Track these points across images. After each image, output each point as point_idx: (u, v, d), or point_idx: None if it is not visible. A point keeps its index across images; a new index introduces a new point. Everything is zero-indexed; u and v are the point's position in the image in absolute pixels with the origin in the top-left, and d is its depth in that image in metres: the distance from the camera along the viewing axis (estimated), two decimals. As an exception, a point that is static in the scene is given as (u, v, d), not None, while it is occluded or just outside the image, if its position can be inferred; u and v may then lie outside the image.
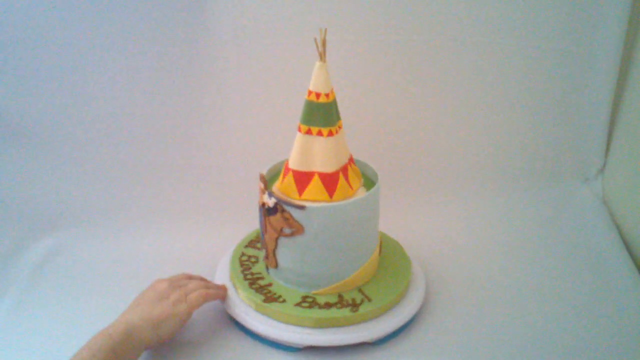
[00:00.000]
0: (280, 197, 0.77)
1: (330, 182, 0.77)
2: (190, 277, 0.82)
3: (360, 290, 0.81)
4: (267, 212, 0.77)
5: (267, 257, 0.82)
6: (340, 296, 0.79)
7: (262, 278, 0.83)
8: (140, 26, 0.91)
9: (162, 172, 1.02)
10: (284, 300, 0.79)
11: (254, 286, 0.81)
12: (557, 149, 1.07)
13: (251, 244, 0.91)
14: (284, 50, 0.96)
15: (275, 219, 0.77)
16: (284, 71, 0.97)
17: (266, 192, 0.77)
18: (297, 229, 0.76)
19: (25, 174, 0.98)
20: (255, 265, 0.86)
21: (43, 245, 0.96)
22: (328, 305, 0.78)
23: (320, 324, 0.76)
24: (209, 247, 0.94)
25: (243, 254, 0.88)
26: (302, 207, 0.75)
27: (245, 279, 0.83)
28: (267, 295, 0.79)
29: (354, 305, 0.78)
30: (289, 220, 0.76)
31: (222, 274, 0.86)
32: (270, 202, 0.77)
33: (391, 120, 1.03)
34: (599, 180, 1.08)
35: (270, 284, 0.82)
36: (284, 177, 0.79)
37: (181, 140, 1.01)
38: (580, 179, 1.09)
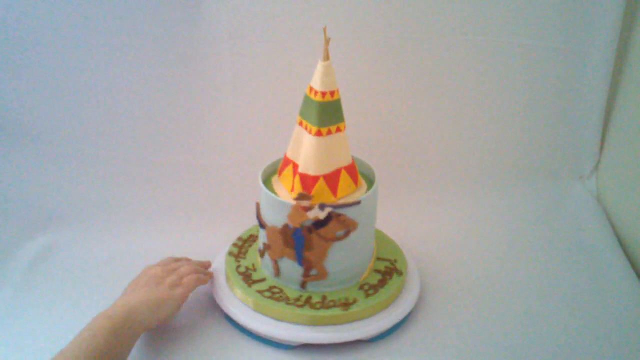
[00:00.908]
0: (333, 203, 0.76)
1: (352, 173, 0.80)
2: (177, 260, 0.85)
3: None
4: (316, 226, 0.75)
5: (307, 275, 0.79)
6: (263, 279, 0.81)
7: (257, 276, 0.83)
8: (137, 25, 0.91)
9: (157, 171, 1.02)
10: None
11: (249, 284, 0.81)
12: (552, 147, 1.07)
13: (248, 240, 0.91)
14: (280, 48, 0.96)
15: (328, 229, 0.75)
16: (280, 70, 0.97)
17: (316, 207, 0.75)
18: (352, 226, 0.76)
19: (20, 172, 0.98)
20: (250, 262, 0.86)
21: (37, 243, 0.96)
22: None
23: (315, 322, 0.76)
24: (204, 245, 0.94)
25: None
26: (358, 202, 0.75)
27: (240, 275, 0.82)
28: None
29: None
30: (345, 221, 0.75)
31: (217, 271, 0.86)
32: (323, 213, 0.75)
33: (386, 118, 1.03)
34: (593, 177, 1.09)
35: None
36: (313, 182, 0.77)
37: (176, 139, 1.00)
38: (575, 176, 1.10)
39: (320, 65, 0.73)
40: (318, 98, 0.73)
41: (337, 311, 0.76)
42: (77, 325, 0.68)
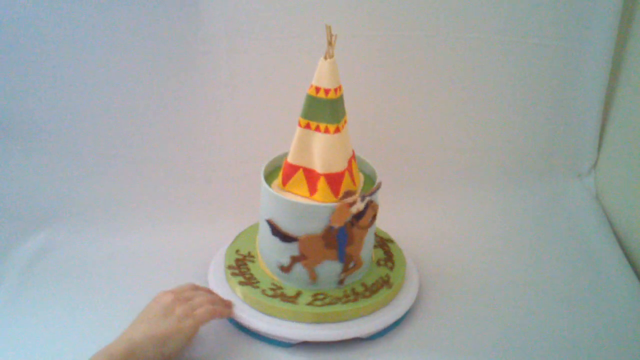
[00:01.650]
0: (363, 192, 0.76)
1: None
2: (196, 288, 0.79)
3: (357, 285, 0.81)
4: (357, 218, 0.75)
5: (346, 269, 0.79)
6: (298, 292, 0.79)
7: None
8: (136, 22, 0.91)
9: (155, 169, 1.01)
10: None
11: (248, 282, 0.81)
12: (550, 145, 1.08)
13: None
14: (278, 46, 0.95)
15: (365, 218, 0.76)
16: (278, 68, 0.97)
17: (358, 199, 0.74)
18: (377, 210, 0.77)
19: (18, 170, 0.97)
20: (249, 261, 0.86)
21: (36, 241, 0.95)
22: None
23: (314, 319, 0.76)
24: (203, 242, 0.94)
25: (237, 251, 0.87)
26: (379, 186, 0.77)
27: (240, 274, 0.82)
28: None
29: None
30: (374, 206, 0.76)
31: (215, 269, 0.86)
32: (364, 204, 0.74)
33: (383, 116, 1.03)
34: (591, 176, 1.09)
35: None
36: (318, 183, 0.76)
37: (175, 137, 1.00)
38: (573, 175, 1.10)
39: (328, 63, 0.72)
40: (331, 96, 0.73)
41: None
42: (75, 324, 0.67)
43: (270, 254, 0.81)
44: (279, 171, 0.82)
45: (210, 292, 0.80)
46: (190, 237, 0.98)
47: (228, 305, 0.79)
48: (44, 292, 0.86)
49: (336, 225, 0.74)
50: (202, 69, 0.95)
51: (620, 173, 1.02)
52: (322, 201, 0.76)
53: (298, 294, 0.79)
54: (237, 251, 0.87)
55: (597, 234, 0.99)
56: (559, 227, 1.03)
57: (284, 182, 0.79)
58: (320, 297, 0.78)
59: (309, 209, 0.75)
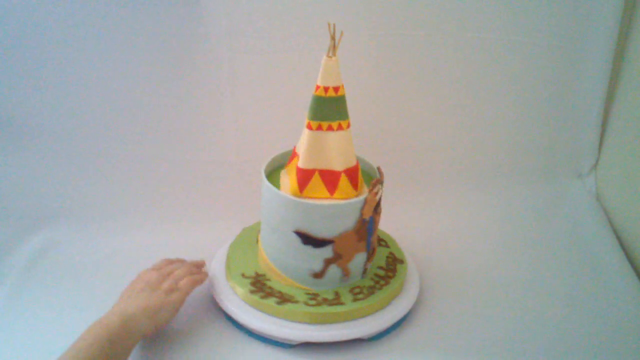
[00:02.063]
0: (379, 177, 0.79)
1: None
2: (171, 262, 0.84)
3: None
4: (378, 205, 0.78)
5: (370, 258, 0.81)
6: (336, 293, 0.79)
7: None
8: (136, 22, 0.90)
9: (156, 169, 1.01)
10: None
11: (284, 300, 0.78)
12: (551, 146, 1.08)
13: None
14: (279, 45, 0.95)
15: (379, 204, 0.79)
16: (279, 67, 0.97)
17: (379, 186, 0.76)
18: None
19: (18, 169, 0.97)
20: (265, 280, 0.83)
21: (36, 241, 0.95)
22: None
23: (314, 320, 0.76)
24: (204, 242, 0.94)
25: (244, 275, 0.83)
26: (381, 170, 0.80)
27: (270, 295, 0.79)
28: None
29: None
30: (379, 191, 0.77)
31: (217, 268, 0.86)
32: (382, 189, 0.77)
33: (386, 119, 1.03)
34: (592, 176, 1.09)
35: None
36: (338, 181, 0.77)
37: (175, 137, 1.00)
38: (574, 175, 1.10)
39: (334, 61, 0.72)
40: (340, 92, 0.74)
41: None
42: (75, 323, 0.67)
43: (298, 265, 0.78)
44: (279, 172, 0.82)
45: (183, 261, 0.85)
46: (190, 237, 0.98)
47: (200, 266, 0.85)
48: (44, 292, 0.86)
49: (367, 216, 0.75)
50: (203, 69, 0.95)
51: (621, 173, 1.02)
52: (344, 198, 0.76)
53: (337, 294, 0.79)
54: (243, 274, 0.82)
55: (597, 234, 0.99)
56: (560, 227, 1.03)
57: (301, 189, 0.77)
58: (357, 290, 0.79)
59: (346, 207, 0.75)
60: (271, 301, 0.77)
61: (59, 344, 0.64)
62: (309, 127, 0.75)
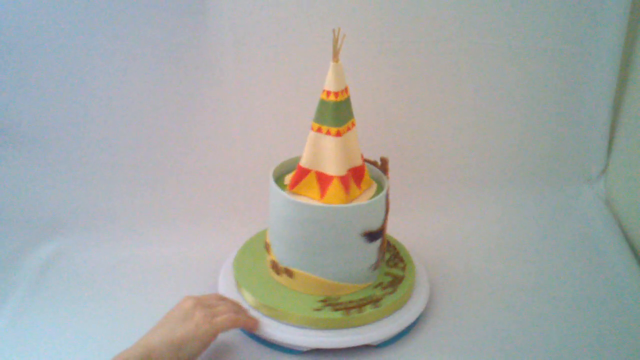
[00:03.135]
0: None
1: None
2: (222, 299, 0.78)
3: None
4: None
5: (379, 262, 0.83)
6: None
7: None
8: (141, 28, 0.91)
9: (164, 177, 1.02)
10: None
11: (353, 306, 0.78)
12: (560, 151, 1.07)
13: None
14: (285, 53, 0.96)
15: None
16: (286, 74, 0.97)
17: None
18: None
19: (27, 179, 0.98)
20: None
21: (45, 250, 0.96)
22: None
23: (324, 326, 0.76)
24: (213, 249, 0.94)
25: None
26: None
27: (337, 305, 0.79)
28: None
29: (359, 307, 0.78)
30: None
31: (226, 275, 0.86)
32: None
33: (394, 122, 1.03)
34: (601, 181, 1.08)
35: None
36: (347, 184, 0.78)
37: (183, 145, 1.01)
38: (583, 180, 1.09)
39: (336, 66, 0.74)
40: (341, 97, 0.75)
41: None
42: (86, 332, 0.68)
43: (363, 263, 0.80)
44: (284, 178, 0.83)
45: (236, 304, 0.79)
46: (199, 244, 0.98)
47: (253, 319, 0.77)
48: (54, 300, 0.86)
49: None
50: (209, 77, 0.96)
51: (630, 178, 1.01)
52: (332, 203, 0.76)
53: (308, 300, 0.79)
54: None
55: (607, 239, 0.98)
56: (569, 233, 1.02)
57: (293, 185, 0.79)
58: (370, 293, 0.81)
59: (384, 194, 0.79)
60: (369, 308, 0.78)
61: (70, 352, 0.65)
62: (312, 128, 0.77)
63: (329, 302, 0.78)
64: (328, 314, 0.76)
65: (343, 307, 0.77)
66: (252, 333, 0.78)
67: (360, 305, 0.78)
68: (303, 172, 0.78)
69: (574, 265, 0.95)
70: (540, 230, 1.03)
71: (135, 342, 0.67)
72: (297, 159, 0.81)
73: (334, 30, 0.72)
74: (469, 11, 0.96)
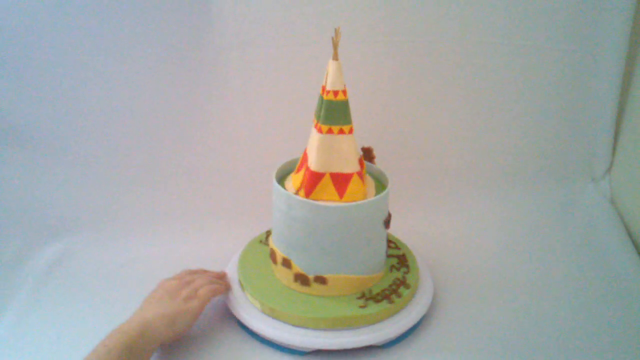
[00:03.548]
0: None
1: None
2: (194, 272, 0.84)
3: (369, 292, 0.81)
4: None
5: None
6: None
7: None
8: (145, 28, 0.92)
9: (168, 177, 1.02)
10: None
11: (386, 297, 0.79)
12: (564, 149, 1.07)
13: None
14: (288, 54, 0.96)
15: None
16: (289, 74, 0.98)
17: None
18: None
19: (32, 180, 0.98)
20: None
21: (50, 251, 0.96)
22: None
23: (327, 326, 0.76)
24: (217, 249, 0.94)
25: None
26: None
27: (378, 296, 0.80)
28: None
29: (395, 291, 0.79)
30: None
31: (230, 277, 0.86)
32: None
33: (397, 122, 1.03)
34: (606, 179, 1.08)
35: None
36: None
37: (189, 145, 1.01)
38: (588, 178, 1.09)
39: (339, 65, 0.74)
40: (340, 97, 0.75)
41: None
42: (92, 332, 0.68)
43: (383, 249, 0.83)
44: (285, 178, 0.82)
45: (205, 271, 0.85)
46: (206, 243, 0.98)
47: (222, 277, 0.85)
48: (61, 300, 0.87)
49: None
50: (214, 78, 0.96)
51: (635, 176, 1.01)
52: (353, 200, 0.76)
53: (311, 300, 0.79)
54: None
55: (612, 237, 0.98)
56: (574, 231, 1.02)
57: (309, 192, 0.76)
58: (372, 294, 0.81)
59: (385, 198, 0.80)
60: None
61: (76, 351, 0.65)
62: (319, 130, 0.75)
63: (368, 297, 0.79)
64: (374, 307, 0.77)
65: (382, 296, 0.79)
66: (253, 330, 0.78)
67: (394, 290, 0.79)
68: (317, 177, 0.76)
69: (579, 264, 0.95)
70: (545, 230, 1.03)
71: (129, 318, 0.71)
72: (297, 161, 0.81)
73: (335, 29, 0.72)
74: (472, 12, 0.95)
